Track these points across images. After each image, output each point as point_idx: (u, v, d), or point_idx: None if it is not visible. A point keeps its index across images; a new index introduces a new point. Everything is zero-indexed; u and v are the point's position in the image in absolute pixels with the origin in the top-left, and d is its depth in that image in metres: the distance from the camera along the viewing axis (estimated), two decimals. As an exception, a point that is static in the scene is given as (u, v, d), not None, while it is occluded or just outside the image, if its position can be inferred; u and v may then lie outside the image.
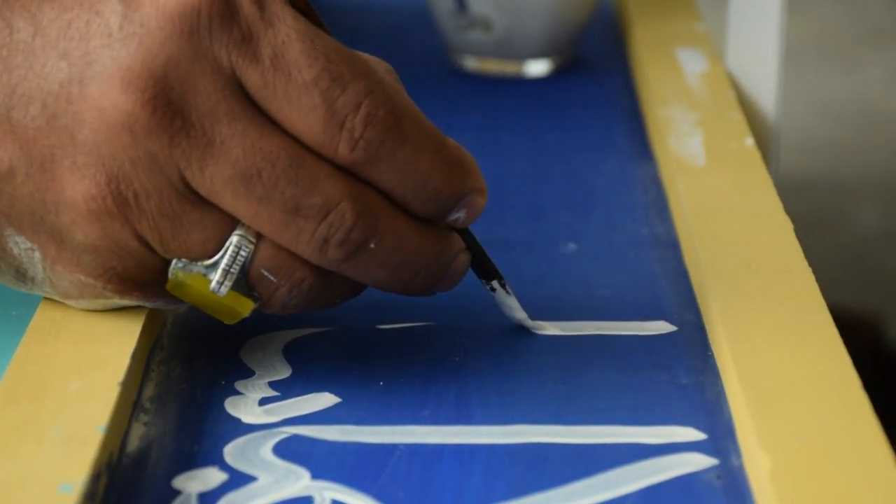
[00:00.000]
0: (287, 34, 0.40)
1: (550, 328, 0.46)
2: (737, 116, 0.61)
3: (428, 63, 0.73)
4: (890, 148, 1.80)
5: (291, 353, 0.45)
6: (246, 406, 0.43)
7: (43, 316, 0.44)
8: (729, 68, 0.68)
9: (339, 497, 0.39)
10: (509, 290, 0.46)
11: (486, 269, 0.45)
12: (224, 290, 0.41)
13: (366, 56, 0.43)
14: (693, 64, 0.67)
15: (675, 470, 0.40)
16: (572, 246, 0.53)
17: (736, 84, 0.67)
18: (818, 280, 0.47)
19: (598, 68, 0.72)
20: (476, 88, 0.70)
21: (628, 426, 0.42)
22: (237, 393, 0.43)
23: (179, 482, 0.39)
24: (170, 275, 0.42)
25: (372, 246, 0.41)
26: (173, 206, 0.41)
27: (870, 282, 1.55)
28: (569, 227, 0.55)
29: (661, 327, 0.47)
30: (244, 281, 0.41)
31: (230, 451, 0.41)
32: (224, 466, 0.40)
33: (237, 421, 0.42)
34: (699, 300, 0.48)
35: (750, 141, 0.58)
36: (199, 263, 0.42)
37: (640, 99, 0.67)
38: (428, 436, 0.41)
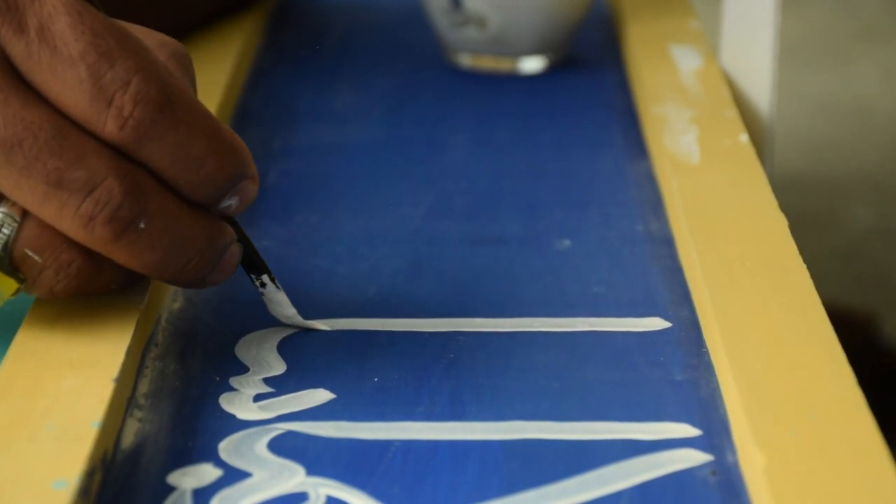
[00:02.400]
0: (53, 6, 0.39)
1: (320, 325, 0.46)
2: (731, 114, 0.61)
3: (422, 60, 0.73)
4: (883, 146, 1.80)
5: (286, 350, 0.45)
6: (241, 402, 0.43)
7: (37, 312, 0.44)
8: (723, 66, 0.68)
9: (334, 493, 0.39)
10: (279, 285, 0.45)
11: (255, 264, 0.45)
12: None
13: (152, 39, 0.42)
14: (687, 61, 0.67)
15: (669, 466, 0.40)
16: (567, 242, 0.53)
17: (730, 81, 0.67)
18: (812, 277, 0.47)
19: (592, 65, 0.72)
20: (470, 85, 0.70)
21: (623, 422, 0.42)
22: (232, 389, 0.43)
23: (174, 478, 0.39)
24: None
25: (142, 226, 0.40)
26: None
27: (863, 279, 1.55)
28: (563, 223, 0.55)
29: (656, 324, 0.47)
30: (8, 261, 0.40)
31: (225, 448, 0.40)
32: (219, 462, 0.40)
33: (232, 417, 0.42)
34: (693, 297, 0.48)
35: (744, 138, 0.58)
36: None
37: (634, 96, 0.67)
38: (422, 432, 0.41)
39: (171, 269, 0.42)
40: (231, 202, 0.42)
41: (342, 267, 0.51)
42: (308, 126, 0.65)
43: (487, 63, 0.71)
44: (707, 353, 0.45)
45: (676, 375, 0.44)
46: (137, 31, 0.43)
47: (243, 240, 0.44)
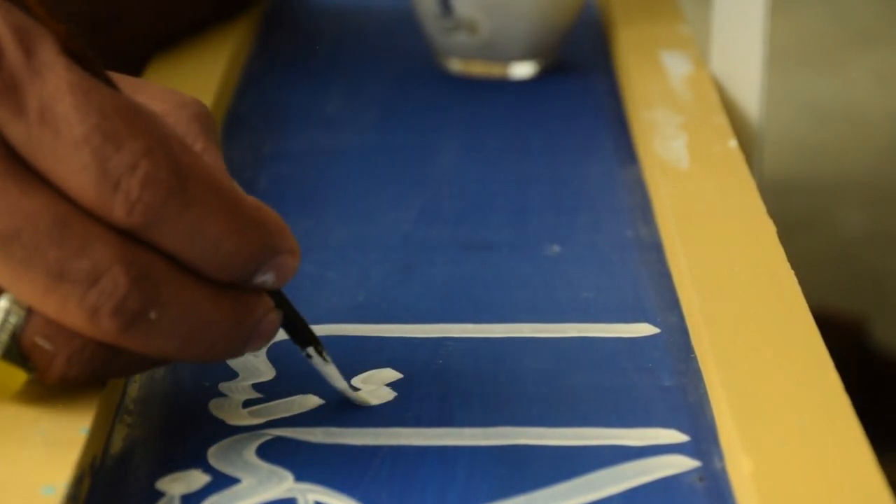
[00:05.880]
0: (57, 86, 0.37)
1: (373, 399, 0.43)
2: (721, 119, 0.61)
3: (413, 65, 0.73)
4: (874, 150, 1.81)
5: (275, 356, 0.45)
6: (230, 408, 0.43)
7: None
8: (713, 71, 0.68)
9: (323, 499, 0.39)
10: (327, 357, 0.42)
11: (299, 334, 0.42)
12: None
13: (173, 100, 0.40)
14: (677, 67, 0.67)
15: (657, 472, 0.40)
16: (556, 248, 0.53)
17: (720, 87, 0.67)
18: (802, 282, 0.47)
19: (582, 71, 0.72)
20: (461, 90, 0.70)
21: (611, 428, 0.42)
22: (221, 395, 0.43)
23: (163, 484, 0.39)
24: None
25: (153, 316, 0.37)
26: None
27: (854, 284, 1.56)
28: (553, 229, 0.55)
29: (644, 329, 0.47)
30: (16, 350, 0.38)
31: (214, 453, 0.41)
32: (208, 468, 0.40)
33: (221, 423, 0.42)
34: (682, 303, 0.49)
35: (734, 144, 0.59)
36: None
37: (624, 101, 0.67)
38: (411, 438, 0.41)
39: (193, 354, 0.39)
40: (266, 278, 0.39)
41: (332, 272, 0.51)
42: (299, 131, 0.65)
43: (478, 68, 0.71)
44: (695, 358, 0.45)
45: (664, 381, 0.44)
46: (157, 93, 0.41)
47: (286, 308, 0.41)
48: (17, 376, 0.38)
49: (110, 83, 0.39)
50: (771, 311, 0.45)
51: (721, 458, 0.40)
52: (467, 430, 0.42)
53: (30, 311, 0.37)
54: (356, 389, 0.43)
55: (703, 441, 0.41)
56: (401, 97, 0.69)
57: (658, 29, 0.72)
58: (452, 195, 0.58)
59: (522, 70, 0.71)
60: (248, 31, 0.75)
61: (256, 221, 0.38)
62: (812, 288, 0.48)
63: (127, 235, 0.37)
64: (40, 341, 0.38)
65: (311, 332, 0.42)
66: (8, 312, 0.37)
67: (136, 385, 0.44)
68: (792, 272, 0.48)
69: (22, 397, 0.40)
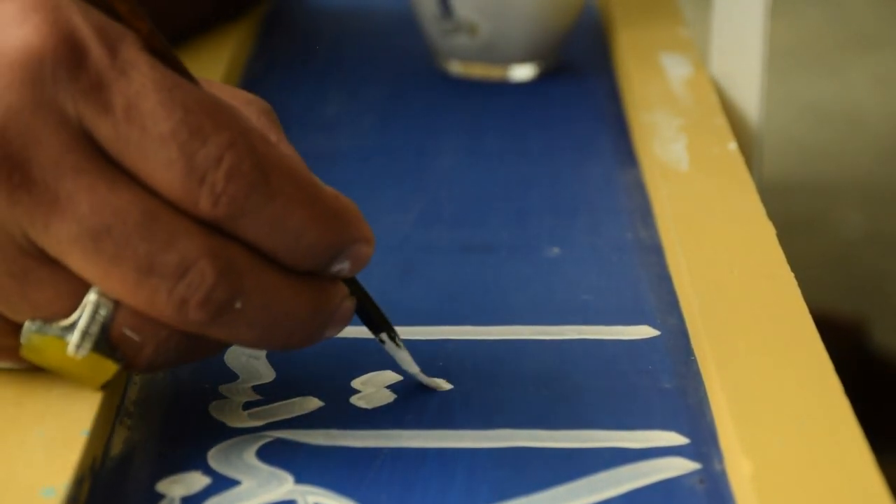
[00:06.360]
0: (142, 83, 0.37)
1: (445, 385, 0.44)
2: (720, 121, 0.61)
3: (413, 67, 0.73)
4: (873, 152, 1.81)
5: (275, 358, 0.45)
6: (230, 410, 0.43)
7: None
8: (713, 73, 0.68)
9: (323, 501, 0.39)
10: (399, 342, 0.43)
11: (373, 321, 0.43)
12: (83, 352, 0.38)
13: (240, 97, 0.41)
14: (677, 69, 0.67)
15: (657, 474, 0.40)
16: (556, 250, 0.53)
17: (720, 89, 0.67)
18: (802, 283, 0.47)
19: (582, 73, 0.72)
20: (461, 93, 0.70)
21: (611, 430, 0.42)
22: (221, 397, 0.43)
23: (163, 486, 0.39)
24: (23, 338, 0.39)
25: (238, 306, 0.38)
26: (18, 264, 0.38)
27: (854, 285, 1.56)
28: (552, 231, 0.55)
29: (644, 332, 0.47)
30: (105, 342, 0.38)
31: (214, 455, 0.41)
32: (208, 470, 0.40)
33: (221, 425, 0.42)
34: (682, 305, 0.49)
35: (733, 146, 0.59)
36: (55, 325, 0.38)
37: (624, 104, 0.67)
38: (411, 440, 0.41)
39: (273, 342, 0.40)
40: (342, 266, 0.40)
41: (332, 274, 0.51)
42: (299, 133, 0.65)
43: (478, 70, 0.71)
44: (695, 361, 0.45)
45: (664, 383, 0.44)
46: (224, 91, 0.41)
47: (360, 295, 0.42)
48: (107, 367, 0.39)
49: (192, 79, 0.39)
50: (770, 313, 0.45)
51: (721, 460, 0.40)
52: (467, 433, 0.42)
53: (118, 304, 0.38)
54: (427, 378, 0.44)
55: (703, 443, 0.41)
56: (400, 99, 0.69)
57: (658, 31, 0.72)
58: (452, 197, 0.58)
59: (522, 72, 0.71)
60: (247, 32, 0.75)
61: (335, 211, 0.39)
62: (811, 290, 0.48)
63: (211, 228, 0.38)
64: (129, 333, 0.38)
65: (384, 319, 0.43)
66: (98, 305, 0.38)
67: (135, 387, 0.44)
68: (791, 274, 0.48)
69: (23, 398, 0.40)
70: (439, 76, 0.72)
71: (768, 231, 0.51)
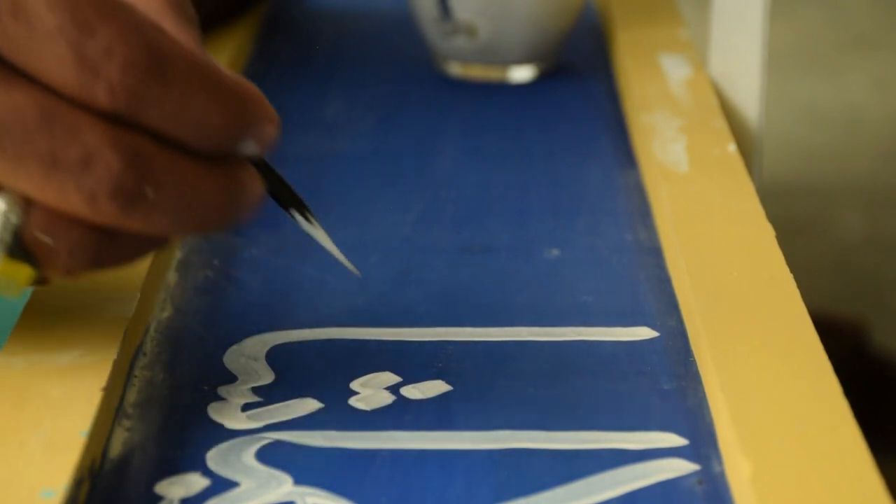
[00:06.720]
0: None
1: (357, 272, 0.45)
2: (720, 123, 0.61)
3: (413, 68, 0.73)
4: (872, 153, 1.81)
5: (274, 359, 0.45)
6: (229, 411, 0.43)
7: (25, 321, 0.44)
8: (712, 75, 0.68)
9: (322, 502, 0.39)
10: (312, 220, 0.43)
11: (283, 198, 0.44)
12: None
13: None
14: (676, 70, 0.67)
15: (656, 475, 0.40)
16: (555, 251, 0.53)
17: (719, 90, 0.67)
18: (802, 285, 0.47)
19: (582, 74, 0.72)
20: (460, 94, 0.70)
21: (610, 431, 0.42)
22: (220, 398, 0.43)
23: (162, 488, 0.39)
24: None
25: (149, 193, 0.38)
26: None
27: (853, 287, 1.56)
28: (552, 232, 0.55)
29: (644, 333, 0.47)
30: (19, 248, 0.39)
31: (213, 457, 0.41)
32: (206, 472, 0.40)
33: (220, 426, 0.42)
34: (681, 306, 0.49)
35: (733, 147, 0.59)
36: None
37: (623, 105, 0.67)
38: (410, 441, 0.41)
39: (188, 227, 0.40)
40: (248, 147, 0.41)
41: (331, 276, 0.51)
42: (298, 134, 0.65)
43: (477, 72, 0.71)
44: (694, 362, 0.45)
45: (664, 385, 0.44)
46: None
47: (269, 174, 0.43)
48: (24, 272, 0.39)
49: None
50: (770, 315, 0.45)
51: (720, 461, 0.40)
52: (466, 434, 0.42)
53: (28, 209, 0.39)
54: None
55: (702, 444, 0.41)
56: (400, 101, 0.69)
57: (657, 32, 0.72)
58: (452, 199, 0.58)
59: (521, 74, 0.71)
60: (247, 34, 0.75)
61: (236, 93, 0.40)
62: (811, 292, 0.48)
63: (114, 120, 0.38)
64: (41, 236, 0.39)
65: (295, 195, 0.43)
66: (7, 212, 0.39)
67: (134, 389, 0.44)
68: (791, 276, 0.48)
69: (22, 400, 0.40)
70: (439, 77, 0.72)
71: (768, 233, 0.51)
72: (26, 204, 0.39)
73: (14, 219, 0.39)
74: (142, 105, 0.38)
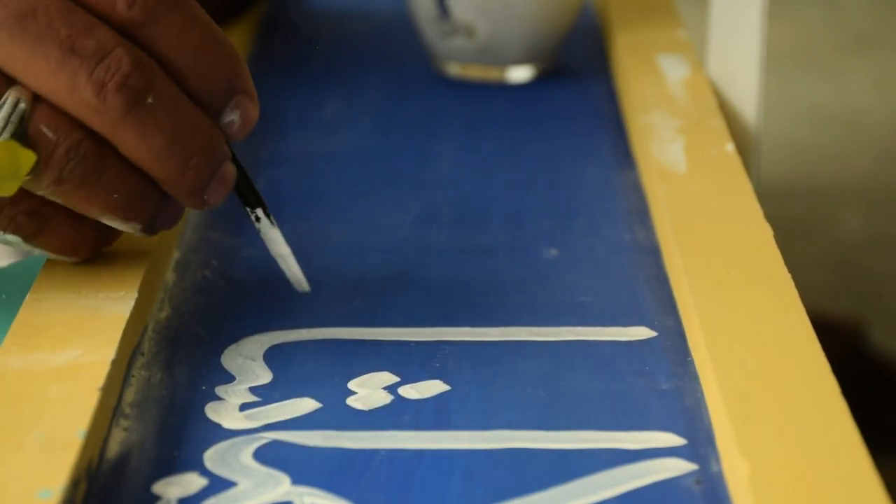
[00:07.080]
0: None
1: (307, 286, 0.46)
2: (718, 123, 0.61)
3: (411, 69, 0.73)
4: (871, 154, 1.81)
5: (272, 359, 0.45)
6: (226, 411, 0.43)
7: (23, 321, 0.44)
8: (710, 75, 0.68)
9: (320, 502, 0.39)
10: (273, 221, 0.46)
11: (249, 197, 0.46)
12: (5, 135, 0.41)
13: None
14: (675, 71, 0.67)
15: (654, 475, 0.40)
16: (553, 252, 0.53)
17: (717, 91, 0.67)
18: (800, 285, 0.47)
19: (580, 75, 0.72)
20: (459, 94, 0.70)
21: (608, 431, 0.42)
22: (218, 398, 0.43)
23: (159, 488, 0.39)
24: None
25: (150, 101, 0.42)
26: None
27: (852, 287, 1.56)
28: (550, 233, 0.55)
29: (642, 333, 0.47)
30: (23, 134, 0.41)
31: (210, 457, 0.41)
32: (204, 472, 0.40)
33: (217, 426, 0.42)
34: (679, 306, 0.49)
35: (731, 147, 0.59)
36: None
37: (621, 105, 0.67)
38: (408, 441, 0.41)
39: (176, 158, 0.43)
40: (232, 117, 0.44)
41: (329, 276, 0.51)
42: (297, 135, 0.65)
43: (476, 72, 0.71)
44: (692, 362, 0.45)
45: (662, 384, 0.44)
46: None
47: (239, 170, 0.45)
48: (28, 157, 0.42)
49: None
50: (768, 315, 0.45)
51: (718, 461, 0.40)
52: (464, 434, 0.42)
53: (37, 102, 0.42)
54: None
55: (700, 444, 0.41)
56: (398, 101, 0.69)
57: (655, 33, 0.72)
58: (450, 199, 0.58)
59: (520, 74, 0.71)
60: (246, 34, 0.75)
61: (232, 50, 0.43)
62: (809, 292, 0.48)
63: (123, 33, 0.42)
64: (45, 130, 0.42)
65: (258, 195, 0.46)
66: (17, 100, 0.41)
67: (132, 389, 0.44)
68: (789, 276, 0.48)
69: (20, 400, 0.40)
70: (437, 78, 0.72)
71: (766, 233, 0.51)
72: (35, 100, 0.41)
73: (23, 107, 0.41)
74: (153, 21, 0.42)
